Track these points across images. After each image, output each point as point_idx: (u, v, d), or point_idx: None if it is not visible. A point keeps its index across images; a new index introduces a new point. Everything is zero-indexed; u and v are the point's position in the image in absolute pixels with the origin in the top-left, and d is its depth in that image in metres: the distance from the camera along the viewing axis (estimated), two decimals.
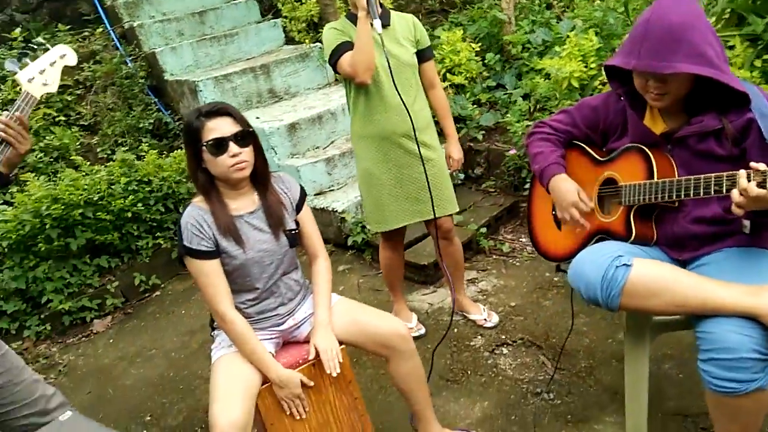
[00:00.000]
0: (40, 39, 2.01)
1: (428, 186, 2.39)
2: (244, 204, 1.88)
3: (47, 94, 1.86)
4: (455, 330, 2.72)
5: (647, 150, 1.70)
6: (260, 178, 1.88)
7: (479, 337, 2.65)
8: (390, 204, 2.50)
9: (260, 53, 5.29)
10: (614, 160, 1.82)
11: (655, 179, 1.66)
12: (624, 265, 1.59)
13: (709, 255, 1.68)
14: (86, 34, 5.41)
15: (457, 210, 2.60)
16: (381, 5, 2.29)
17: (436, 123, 2.59)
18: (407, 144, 2.42)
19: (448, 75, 4.20)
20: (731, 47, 3.18)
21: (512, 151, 3.49)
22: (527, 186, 3.47)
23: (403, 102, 2.29)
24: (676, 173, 1.67)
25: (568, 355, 2.39)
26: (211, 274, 1.80)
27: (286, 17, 5.55)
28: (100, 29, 5.39)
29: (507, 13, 4.33)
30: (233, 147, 1.74)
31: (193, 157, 1.79)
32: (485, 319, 2.71)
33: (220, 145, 1.74)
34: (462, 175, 3.97)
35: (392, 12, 2.45)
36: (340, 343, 1.92)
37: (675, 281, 1.56)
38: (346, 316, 1.97)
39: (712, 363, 1.48)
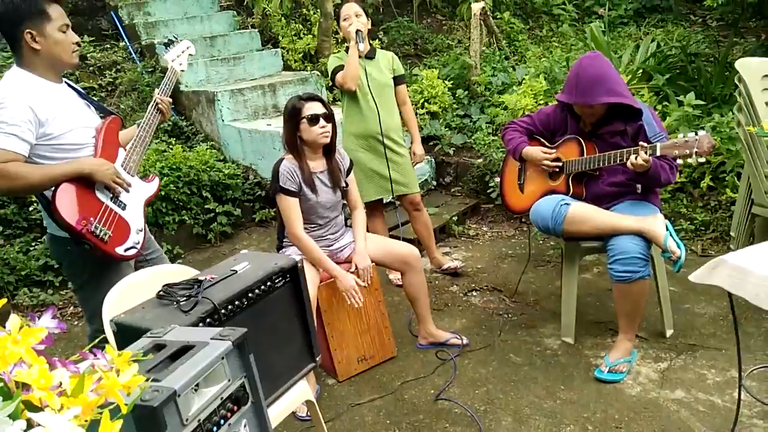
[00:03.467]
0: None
1: (388, 170, 3.38)
2: (317, 165, 2.74)
3: (182, 71, 2.66)
4: (436, 282, 3.62)
5: (580, 138, 2.71)
6: (331, 148, 2.74)
7: (455, 286, 3.57)
8: (370, 182, 3.42)
9: (261, 76, 6.16)
10: (559, 146, 2.81)
11: (585, 156, 2.67)
12: (565, 204, 2.58)
13: (617, 205, 2.68)
14: (107, 46, 6.17)
15: (419, 191, 3.59)
16: (370, 44, 3.39)
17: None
18: (379, 140, 3.39)
19: (425, 104, 5.22)
20: (641, 95, 4.33)
21: (479, 159, 4.49)
22: (489, 190, 4.47)
23: (377, 110, 3.30)
24: (597, 153, 2.68)
25: (521, 294, 3.34)
26: (293, 207, 2.63)
27: (284, 48, 6.49)
28: (122, 44, 6.16)
29: (474, 59, 5.43)
30: (322, 121, 2.62)
31: (291, 127, 2.64)
32: (455, 266, 3.67)
33: (314, 119, 2.60)
34: (434, 182, 4.94)
35: (378, 50, 3.50)
36: (373, 262, 2.79)
37: (595, 214, 2.55)
38: (377, 244, 2.85)
39: (615, 262, 2.46)
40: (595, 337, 2.86)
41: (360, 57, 3.27)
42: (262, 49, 6.45)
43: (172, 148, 4.83)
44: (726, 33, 5.65)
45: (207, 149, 4.97)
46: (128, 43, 6.19)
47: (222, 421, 1.30)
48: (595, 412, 2.35)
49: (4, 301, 0.92)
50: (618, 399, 2.41)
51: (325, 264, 2.65)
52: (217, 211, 4.72)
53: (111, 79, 5.77)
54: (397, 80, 3.48)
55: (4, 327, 0.92)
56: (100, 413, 0.89)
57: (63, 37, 2.09)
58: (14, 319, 0.89)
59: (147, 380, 1.12)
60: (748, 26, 5.52)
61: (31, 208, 4.27)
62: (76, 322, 3.71)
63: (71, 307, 3.87)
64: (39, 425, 0.83)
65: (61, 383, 0.94)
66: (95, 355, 1.01)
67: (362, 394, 2.65)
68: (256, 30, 6.63)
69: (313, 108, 2.62)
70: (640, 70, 4.64)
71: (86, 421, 0.89)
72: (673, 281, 3.14)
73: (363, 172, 3.40)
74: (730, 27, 5.62)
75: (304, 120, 2.61)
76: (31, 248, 4.14)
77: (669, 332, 2.80)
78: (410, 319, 3.14)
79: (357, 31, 3.23)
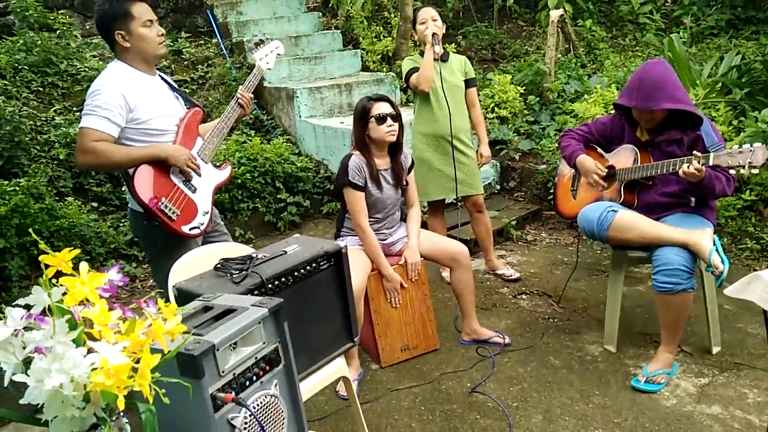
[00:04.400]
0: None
1: (454, 170, 3.47)
2: (383, 162, 2.90)
3: (267, 69, 2.89)
4: (487, 282, 3.71)
5: (635, 147, 2.73)
6: (398, 146, 2.89)
7: (505, 288, 3.64)
8: (435, 181, 3.53)
9: (341, 75, 6.42)
10: (613, 154, 2.84)
11: (638, 165, 2.68)
12: (613, 210, 2.61)
13: (668, 216, 2.67)
14: (201, 42, 6.63)
15: (483, 192, 3.66)
16: (444, 48, 3.48)
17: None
18: (449, 141, 3.48)
19: (495, 108, 5.28)
20: (717, 109, 4.21)
21: (543, 166, 4.52)
22: (551, 196, 4.49)
23: (449, 112, 3.39)
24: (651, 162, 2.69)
25: (570, 300, 3.37)
26: (359, 200, 2.80)
27: (364, 49, 6.72)
28: (214, 40, 6.60)
29: (549, 66, 5.43)
30: (390, 120, 2.77)
31: (361, 126, 2.81)
32: (510, 274, 3.71)
33: (383, 118, 2.76)
34: (498, 186, 5.00)
35: (451, 53, 3.59)
36: (423, 257, 2.93)
37: (642, 223, 2.57)
38: (429, 239, 2.99)
39: (659, 273, 2.48)
40: (638, 348, 2.86)
41: (435, 60, 3.40)
42: (343, 50, 6.71)
43: (251, 140, 5.15)
44: None
45: (283, 143, 5.26)
46: (220, 40, 6.61)
47: (255, 378, 1.48)
48: (626, 418, 2.38)
49: (77, 251, 1.13)
50: (651, 408, 2.43)
51: (380, 260, 2.81)
52: (288, 201, 4.99)
53: (202, 73, 6.20)
54: (468, 83, 3.58)
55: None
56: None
57: (147, 32, 2.35)
58: (84, 266, 1.10)
59: (188, 332, 1.32)
60: None
61: (123, 188, 4.69)
62: (154, 294, 4.06)
63: (151, 280, 4.24)
64: (96, 351, 1.04)
65: (118, 324, 1.15)
66: (148, 305, 1.22)
67: (402, 381, 2.79)
68: (339, 31, 6.90)
69: (382, 108, 2.78)
70: (719, 84, 4.50)
71: (134, 353, 1.09)
72: (728, 300, 3.08)
73: (430, 171, 3.53)
74: None
75: (373, 119, 2.77)
76: (121, 224, 4.55)
77: (716, 349, 2.77)
78: (456, 315, 3.24)
79: (433, 35, 3.36)
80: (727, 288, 1.93)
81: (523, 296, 3.52)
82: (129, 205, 2.51)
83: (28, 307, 1.10)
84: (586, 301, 3.38)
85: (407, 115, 5.44)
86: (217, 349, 1.37)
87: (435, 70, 3.40)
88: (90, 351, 1.05)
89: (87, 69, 5.52)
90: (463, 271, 2.95)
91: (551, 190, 4.46)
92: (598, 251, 3.99)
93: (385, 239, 2.98)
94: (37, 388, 1.00)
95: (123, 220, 4.59)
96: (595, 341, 2.95)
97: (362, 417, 2.22)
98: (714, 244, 2.43)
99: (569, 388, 2.62)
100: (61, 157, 4.66)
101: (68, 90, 5.41)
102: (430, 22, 3.42)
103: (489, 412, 2.51)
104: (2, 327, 1.06)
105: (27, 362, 1.06)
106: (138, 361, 1.07)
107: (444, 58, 3.50)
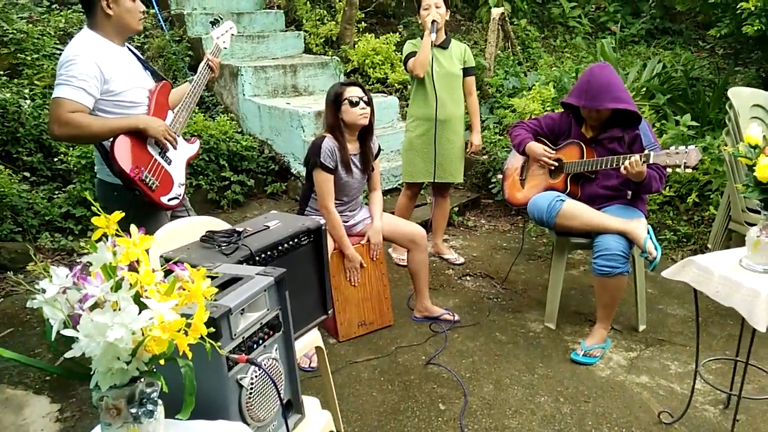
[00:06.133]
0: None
1: (434, 155, 3.61)
2: (353, 147, 2.99)
3: (224, 48, 2.90)
4: (434, 264, 3.90)
5: (581, 143, 2.98)
6: (368, 132, 3.00)
7: (450, 270, 3.84)
8: (420, 164, 3.68)
9: (283, 56, 6.40)
10: (561, 148, 3.08)
11: (584, 159, 2.94)
12: (560, 200, 2.85)
13: (607, 207, 2.95)
14: None
15: (461, 180, 3.84)
16: (446, 34, 3.57)
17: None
18: (438, 126, 3.61)
19: None
20: (642, 112, 4.60)
21: (483, 156, 4.76)
22: (491, 186, 4.74)
23: (436, 98, 3.52)
24: (595, 158, 2.95)
25: (511, 282, 3.62)
26: (328, 182, 2.88)
27: (307, 31, 6.72)
28: (152, 11, 6.38)
29: (489, 61, 5.69)
30: (362, 104, 2.88)
31: (333, 110, 2.90)
32: (455, 258, 3.92)
33: (355, 102, 2.87)
34: None
35: (453, 40, 3.69)
36: (384, 237, 3.06)
37: (586, 212, 2.82)
38: (389, 222, 3.13)
39: (599, 257, 2.74)
40: (574, 326, 3.14)
41: (433, 46, 3.50)
42: (286, 31, 6.68)
43: (194, 116, 5.07)
44: (729, 62, 5.92)
45: (227, 120, 5.22)
46: (158, 11, 6.40)
47: (260, 342, 1.57)
48: (567, 387, 2.64)
49: (123, 214, 1.18)
50: (589, 378, 2.70)
51: (343, 241, 2.92)
52: (231, 179, 4.96)
53: (139, 44, 5.99)
54: (466, 71, 3.69)
55: (25, 268, 1.17)
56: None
57: (133, 5, 2.36)
58: (134, 228, 1.15)
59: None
60: (750, 57, 5.79)
61: (56, 159, 4.51)
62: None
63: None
64: (149, 308, 1.10)
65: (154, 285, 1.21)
66: (180, 268, 1.28)
67: (360, 354, 2.92)
68: (282, 11, 6.86)
69: (354, 92, 2.89)
70: (644, 88, 4.91)
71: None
72: (652, 284, 3.43)
73: (416, 154, 3.65)
74: (732, 57, 5.89)
75: (346, 102, 2.87)
76: (55, 196, 4.38)
77: (642, 327, 3.09)
78: (410, 294, 3.41)
79: (433, 22, 3.44)
80: (663, 271, 2.20)
81: (468, 278, 3.74)
82: (98, 176, 2.47)
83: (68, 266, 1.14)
84: (525, 283, 3.64)
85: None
86: (231, 313, 1.45)
87: (432, 56, 3.50)
88: (142, 308, 1.11)
89: (15, 32, 5.20)
90: (420, 251, 3.11)
91: (492, 180, 4.72)
92: (534, 238, 4.28)
93: (348, 221, 3.09)
94: (93, 340, 1.06)
95: (56, 192, 4.42)
96: (537, 319, 3.21)
97: (332, 384, 2.33)
98: (648, 233, 2.72)
99: (515, 360, 2.85)
100: None
101: None
102: (433, 8, 3.47)
103: (444, 382, 2.69)
104: (50, 285, 1.11)
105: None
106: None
107: (444, 45, 3.57)
